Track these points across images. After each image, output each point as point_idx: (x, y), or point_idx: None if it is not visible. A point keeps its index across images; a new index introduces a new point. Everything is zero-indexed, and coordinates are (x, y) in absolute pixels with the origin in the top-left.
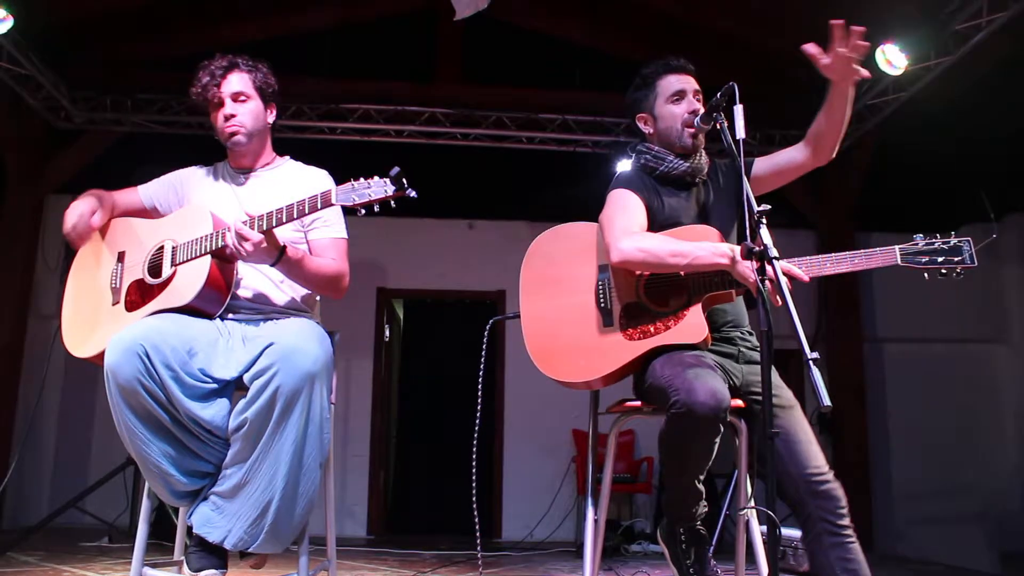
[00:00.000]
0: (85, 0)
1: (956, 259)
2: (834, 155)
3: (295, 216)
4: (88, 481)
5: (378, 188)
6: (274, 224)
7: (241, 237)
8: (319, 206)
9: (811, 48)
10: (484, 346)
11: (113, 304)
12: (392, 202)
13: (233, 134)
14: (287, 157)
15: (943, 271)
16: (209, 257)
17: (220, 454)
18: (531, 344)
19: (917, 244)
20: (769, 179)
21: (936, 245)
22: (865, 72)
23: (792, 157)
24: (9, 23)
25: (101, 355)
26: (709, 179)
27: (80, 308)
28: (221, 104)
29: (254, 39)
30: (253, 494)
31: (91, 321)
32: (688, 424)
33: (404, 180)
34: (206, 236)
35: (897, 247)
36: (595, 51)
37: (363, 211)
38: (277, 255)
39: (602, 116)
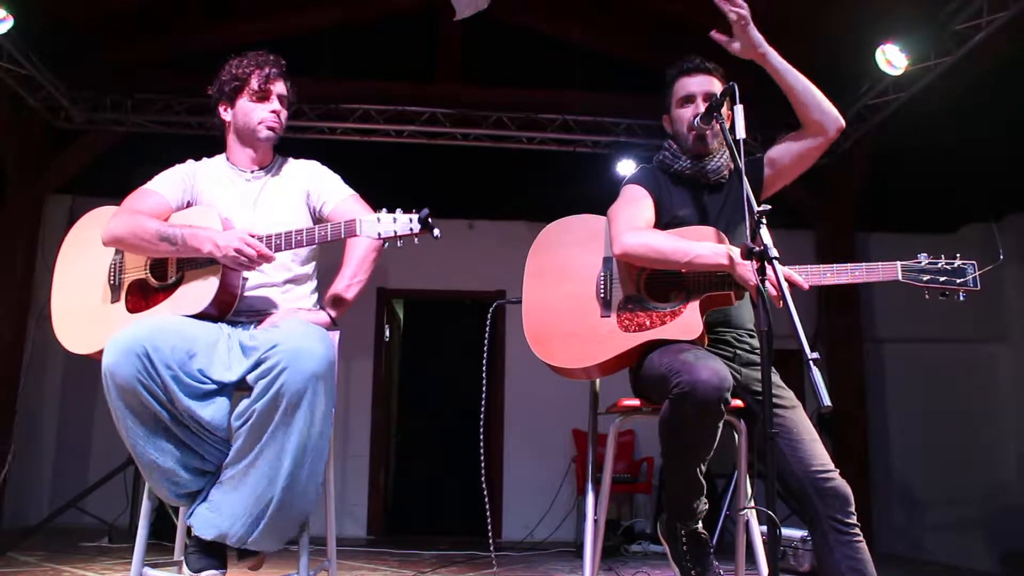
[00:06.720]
0: (85, 0)
1: (958, 280)
2: (841, 122)
3: (316, 241)
4: (88, 481)
5: (403, 225)
6: (281, 246)
7: (238, 261)
8: (343, 235)
9: (718, 36)
10: (488, 329)
11: (113, 302)
12: (416, 239)
13: (272, 129)
14: (278, 156)
15: (945, 292)
16: (220, 265)
17: (220, 453)
18: (529, 328)
19: (920, 262)
20: (789, 165)
21: (940, 265)
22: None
23: (799, 134)
24: (9, 23)
25: (100, 353)
26: (727, 182)
27: (76, 301)
28: (268, 97)
29: (254, 39)
30: (253, 491)
31: (89, 317)
32: (691, 404)
33: (430, 220)
34: None
35: (899, 263)
36: (595, 51)
37: (385, 244)
38: (332, 317)
39: (602, 116)
